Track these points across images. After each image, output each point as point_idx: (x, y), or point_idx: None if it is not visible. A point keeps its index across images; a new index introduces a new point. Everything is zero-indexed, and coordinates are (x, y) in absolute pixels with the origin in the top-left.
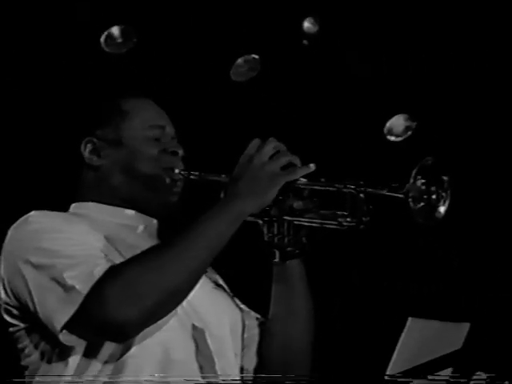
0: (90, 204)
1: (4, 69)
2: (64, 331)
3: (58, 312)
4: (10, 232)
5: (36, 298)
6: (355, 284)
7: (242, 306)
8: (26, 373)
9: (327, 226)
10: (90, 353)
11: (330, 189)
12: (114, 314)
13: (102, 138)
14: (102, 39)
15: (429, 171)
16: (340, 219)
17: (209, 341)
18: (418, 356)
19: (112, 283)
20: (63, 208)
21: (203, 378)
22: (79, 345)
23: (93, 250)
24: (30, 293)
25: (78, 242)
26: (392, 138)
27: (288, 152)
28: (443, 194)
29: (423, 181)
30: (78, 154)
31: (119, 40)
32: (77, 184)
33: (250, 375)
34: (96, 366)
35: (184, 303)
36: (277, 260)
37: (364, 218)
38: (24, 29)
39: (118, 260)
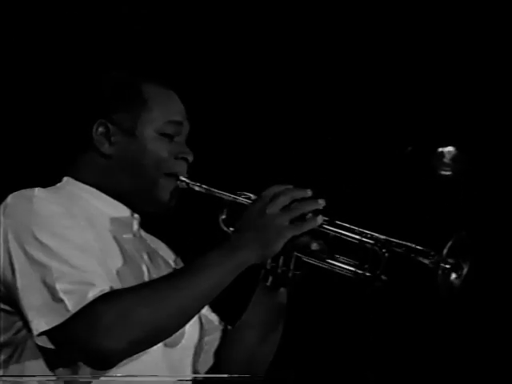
0: (89, 188)
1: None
2: (42, 336)
3: (42, 317)
4: (10, 202)
5: (21, 293)
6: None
7: (205, 308)
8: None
9: (339, 272)
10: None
11: (352, 239)
12: (101, 340)
13: (117, 124)
14: None
15: (458, 245)
16: (355, 269)
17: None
18: None
19: (105, 309)
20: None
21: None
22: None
23: (91, 258)
24: (15, 283)
25: (77, 242)
26: None
27: (304, 202)
28: (464, 267)
29: (450, 252)
30: (86, 132)
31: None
32: (74, 159)
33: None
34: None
35: None
36: (268, 284)
37: (383, 277)
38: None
39: (112, 262)
